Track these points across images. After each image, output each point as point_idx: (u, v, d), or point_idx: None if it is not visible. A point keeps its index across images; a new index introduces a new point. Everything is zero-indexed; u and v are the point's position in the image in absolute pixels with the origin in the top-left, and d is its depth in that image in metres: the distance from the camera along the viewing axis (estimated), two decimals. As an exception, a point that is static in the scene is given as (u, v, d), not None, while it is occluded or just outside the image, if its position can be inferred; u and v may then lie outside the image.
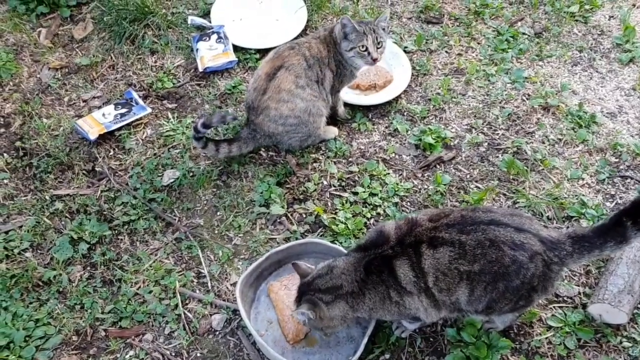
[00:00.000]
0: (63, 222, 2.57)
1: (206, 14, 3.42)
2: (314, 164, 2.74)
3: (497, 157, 2.74)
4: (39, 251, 2.49)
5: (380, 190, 2.61)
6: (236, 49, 3.21)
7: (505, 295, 1.82)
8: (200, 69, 3.09)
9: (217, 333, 2.25)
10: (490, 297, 1.83)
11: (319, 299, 1.91)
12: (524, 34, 3.30)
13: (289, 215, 2.55)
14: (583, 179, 2.64)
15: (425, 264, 1.82)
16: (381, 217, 2.53)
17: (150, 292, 2.34)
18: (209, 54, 3.12)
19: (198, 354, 2.20)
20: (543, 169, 2.68)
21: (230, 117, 2.57)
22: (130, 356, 2.19)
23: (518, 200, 2.55)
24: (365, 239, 1.99)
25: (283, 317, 2.18)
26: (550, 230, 1.91)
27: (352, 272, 1.91)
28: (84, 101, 3.05)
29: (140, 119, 2.93)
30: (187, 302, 2.33)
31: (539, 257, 1.79)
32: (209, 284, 2.37)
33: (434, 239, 1.83)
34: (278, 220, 2.54)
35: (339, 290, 1.91)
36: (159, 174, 2.72)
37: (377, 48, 2.57)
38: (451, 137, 2.82)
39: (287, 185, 2.66)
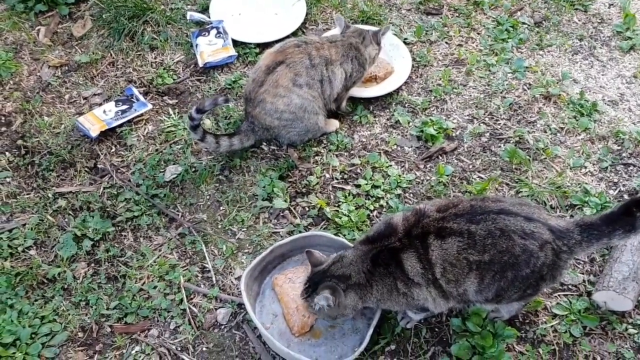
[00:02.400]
0: (66, 220, 2.57)
1: (205, 9, 3.41)
2: (316, 157, 2.74)
3: (499, 147, 2.73)
4: (43, 249, 2.50)
5: (382, 183, 2.60)
6: (236, 43, 3.20)
7: (514, 284, 1.82)
8: (200, 65, 3.09)
9: (223, 327, 2.25)
10: (499, 286, 1.83)
11: (337, 285, 1.91)
12: (523, 23, 3.29)
13: (292, 208, 2.55)
14: (585, 167, 2.64)
15: (433, 255, 1.81)
16: (384, 209, 2.53)
17: (155, 287, 2.35)
18: (209, 49, 3.11)
19: (204, 348, 2.20)
20: (545, 158, 2.67)
21: (222, 99, 2.50)
22: (136, 352, 2.20)
23: (521, 190, 2.55)
24: (373, 230, 1.99)
25: (288, 309, 2.18)
26: (558, 219, 1.90)
27: (360, 263, 1.91)
28: (85, 98, 3.05)
29: (141, 115, 2.92)
30: (192, 296, 2.33)
31: (549, 246, 1.79)
32: (214, 279, 2.37)
33: (442, 230, 1.82)
34: (281, 214, 2.54)
35: (348, 281, 1.91)
36: (161, 170, 2.71)
37: None
38: (453, 128, 2.81)
39: (290, 179, 2.65)
